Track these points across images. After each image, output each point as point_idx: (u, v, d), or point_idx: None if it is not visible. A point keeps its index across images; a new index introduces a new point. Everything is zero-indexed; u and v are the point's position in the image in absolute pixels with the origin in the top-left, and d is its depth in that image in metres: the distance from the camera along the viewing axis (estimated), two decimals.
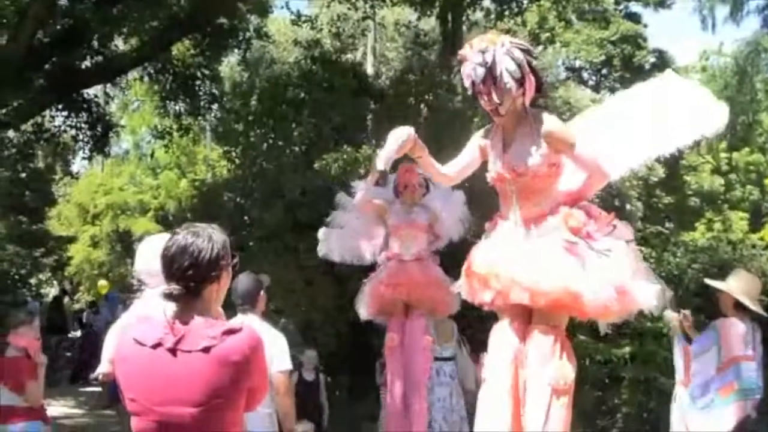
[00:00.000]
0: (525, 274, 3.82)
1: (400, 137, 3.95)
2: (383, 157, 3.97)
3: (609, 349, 10.22)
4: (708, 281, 7.09)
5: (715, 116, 4.04)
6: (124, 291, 21.81)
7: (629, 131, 4.17)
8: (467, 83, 3.94)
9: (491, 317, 4.21)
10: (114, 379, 2.82)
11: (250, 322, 4.75)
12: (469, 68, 3.87)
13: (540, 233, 3.96)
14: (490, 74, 3.80)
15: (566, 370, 3.84)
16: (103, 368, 4.57)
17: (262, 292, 5.29)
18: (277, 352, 4.95)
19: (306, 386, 8.92)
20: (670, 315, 6.69)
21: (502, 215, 4.18)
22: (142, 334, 2.64)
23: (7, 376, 6.12)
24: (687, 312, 6.72)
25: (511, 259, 3.92)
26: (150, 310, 3.81)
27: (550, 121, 3.94)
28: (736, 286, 6.48)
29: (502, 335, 4.01)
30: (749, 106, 17.43)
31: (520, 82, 3.84)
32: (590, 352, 10.08)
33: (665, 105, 4.16)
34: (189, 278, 2.65)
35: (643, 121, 4.17)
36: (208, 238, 2.72)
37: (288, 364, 5.12)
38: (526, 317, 3.99)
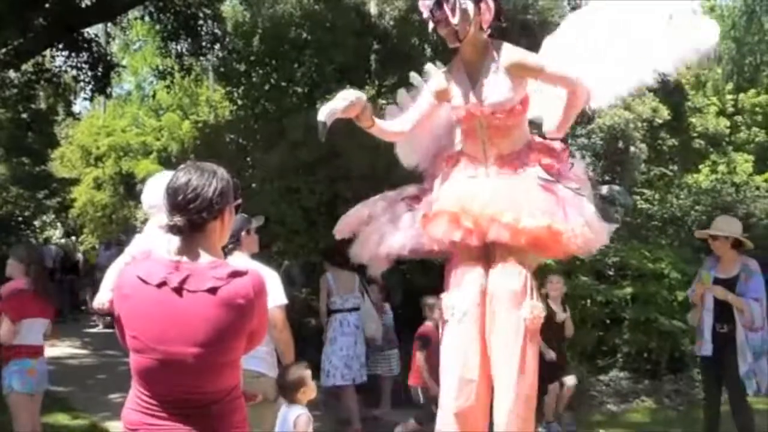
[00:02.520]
0: (505, 211, 3.74)
1: (347, 98, 3.85)
2: (326, 110, 3.83)
3: (610, 290, 10.26)
4: (700, 233, 7.22)
5: (707, 31, 3.90)
6: (127, 233, 21.89)
7: (614, 55, 4.00)
8: (426, 14, 3.82)
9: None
10: (112, 313, 2.83)
11: (236, 259, 4.76)
12: None
13: (514, 171, 3.88)
14: None
15: (539, 309, 3.79)
16: (104, 297, 4.56)
17: (246, 231, 5.24)
18: (272, 288, 4.96)
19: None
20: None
21: (467, 153, 4.08)
22: (146, 272, 2.63)
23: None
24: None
25: (486, 197, 3.83)
26: (151, 245, 3.82)
27: (511, 51, 3.84)
28: (728, 229, 6.76)
29: (468, 276, 3.91)
30: (757, 46, 17.19)
31: (476, 2, 3.77)
32: (591, 292, 10.13)
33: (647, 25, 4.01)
34: (192, 210, 2.65)
35: (626, 43, 4.01)
36: (212, 173, 2.73)
37: (284, 299, 5.13)
38: (487, 258, 3.90)
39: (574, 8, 27.71)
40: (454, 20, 3.74)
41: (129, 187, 22.97)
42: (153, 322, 2.59)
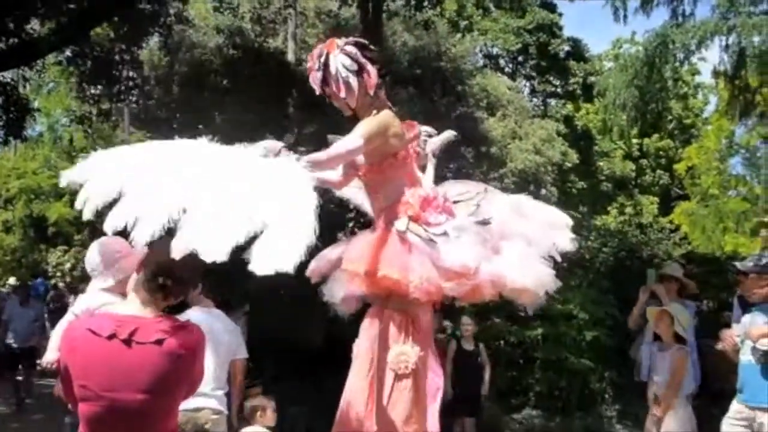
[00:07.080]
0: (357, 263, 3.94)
1: (266, 146, 3.89)
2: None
3: (522, 331, 10.62)
4: (663, 272, 7.73)
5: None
6: (37, 278, 21.37)
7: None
8: (318, 91, 4.04)
9: None
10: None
11: (195, 312, 5.10)
12: (313, 76, 4.01)
13: (386, 225, 4.04)
14: (328, 72, 3.95)
15: (407, 355, 3.92)
16: (51, 356, 4.72)
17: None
18: (237, 342, 5.73)
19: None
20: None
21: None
22: (97, 325, 2.83)
23: None
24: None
25: (352, 253, 4.03)
26: (93, 305, 4.11)
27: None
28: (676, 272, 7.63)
29: (365, 323, 4.11)
30: (659, 94, 17.99)
31: (358, 72, 3.97)
32: (504, 334, 10.48)
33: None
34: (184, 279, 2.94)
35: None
36: None
37: (246, 353, 5.84)
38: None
39: (485, 56, 28.49)
40: (341, 94, 3.97)
41: (40, 231, 22.51)
42: (102, 372, 2.78)
